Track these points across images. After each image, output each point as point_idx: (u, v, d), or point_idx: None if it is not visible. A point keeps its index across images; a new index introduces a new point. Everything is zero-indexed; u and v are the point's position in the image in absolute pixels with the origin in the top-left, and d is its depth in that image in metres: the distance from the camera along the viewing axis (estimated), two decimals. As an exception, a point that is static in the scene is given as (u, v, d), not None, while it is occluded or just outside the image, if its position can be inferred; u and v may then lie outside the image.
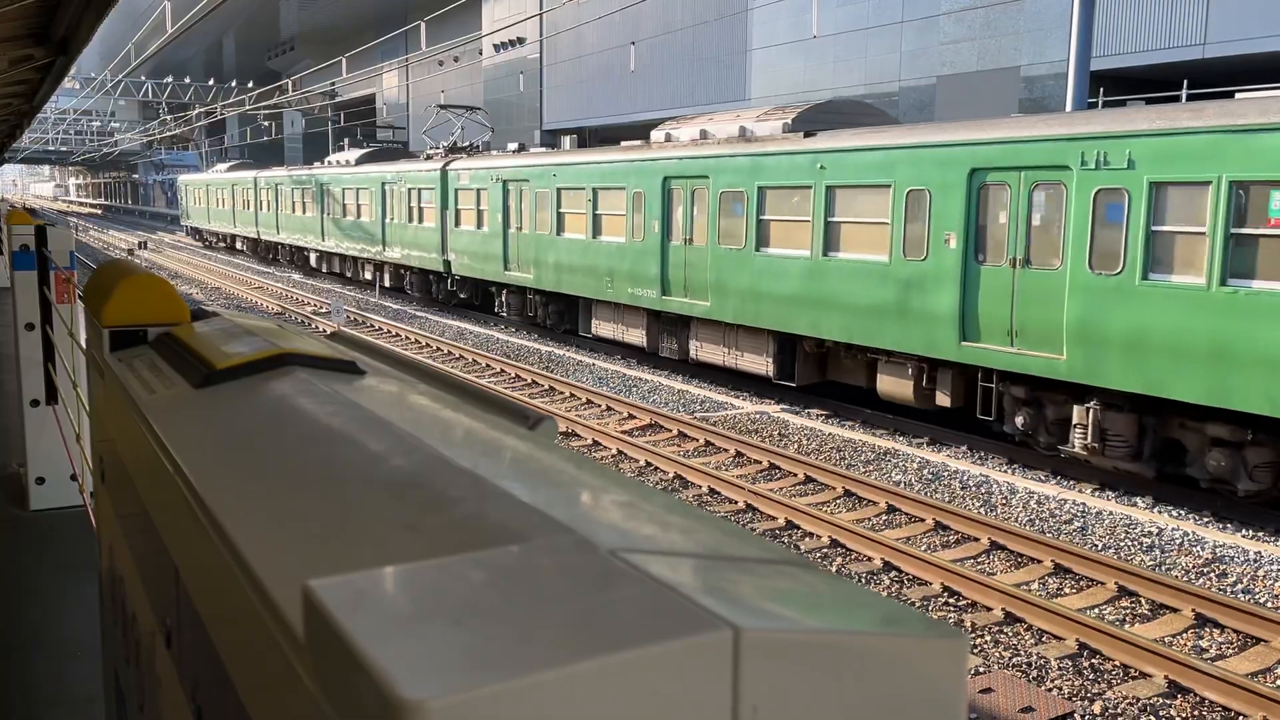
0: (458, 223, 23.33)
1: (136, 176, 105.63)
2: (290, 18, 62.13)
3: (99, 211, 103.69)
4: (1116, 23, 20.34)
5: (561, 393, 15.26)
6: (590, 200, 18.33)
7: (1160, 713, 6.23)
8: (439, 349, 19.26)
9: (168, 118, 68.48)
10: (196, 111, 63.48)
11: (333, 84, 50.27)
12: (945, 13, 24.18)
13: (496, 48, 41.04)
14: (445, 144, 26.62)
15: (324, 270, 33.29)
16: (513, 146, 23.83)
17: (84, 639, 3.81)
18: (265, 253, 39.95)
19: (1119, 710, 6.25)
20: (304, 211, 33.24)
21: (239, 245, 44.15)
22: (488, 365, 17.49)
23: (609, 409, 14.13)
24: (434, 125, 30.14)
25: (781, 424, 13.28)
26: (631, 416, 13.58)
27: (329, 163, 32.58)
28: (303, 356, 1.31)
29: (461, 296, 24.34)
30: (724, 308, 15.26)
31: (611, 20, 32.16)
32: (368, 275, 29.64)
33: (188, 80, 73.02)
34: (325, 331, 18.18)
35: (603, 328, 18.65)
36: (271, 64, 72.11)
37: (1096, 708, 6.27)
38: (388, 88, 57.06)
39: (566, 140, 24.60)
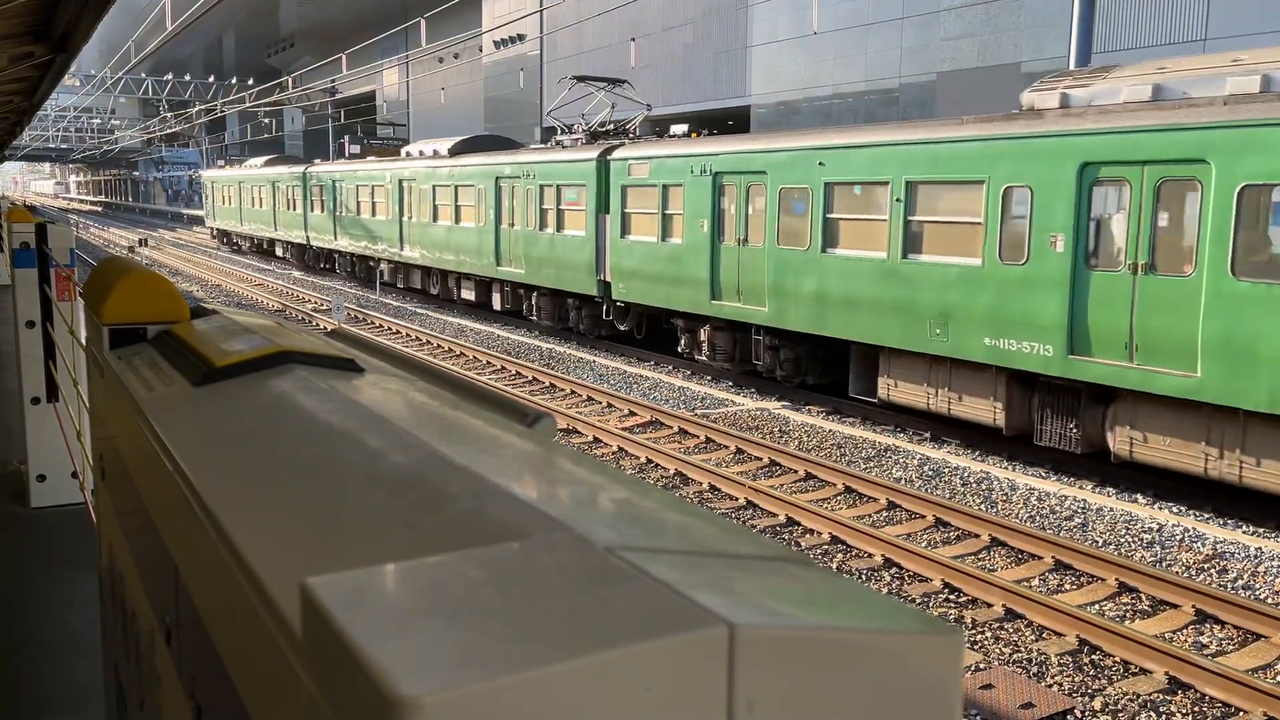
0: (625, 231, 17.61)
1: (137, 174, 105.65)
2: (290, 14, 62.08)
3: (99, 209, 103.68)
4: (1116, 18, 20.32)
5: (562, 390, 15.27)
6: (900, 200, 12.54)
7: (1160, 709, 6.24)
8: (439, 346, 19.27)
9: (168, 115, 68.47)
10: (197, 109, 63.47)
11: (333, 81, 50.26)
12: (946, 9, 24.16)
13: (497, 44, 41.01)
14: (584, 126, 20.75)
15: (400, 285, 27.73)
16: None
17: (84, 636, 3.82)
18: (316, 261, 34.67)
19: (1119, 706, 6.26)
20: (375, 214, 27.72)
21: (281, 252, 38.19)
22: (488, 362, 17.49)
23: (609, 406, 14.14)
24: (567, 102, 22.72)
25: (782, 421, 13.28)
26: (632, 414, 13.59)
27: (408, 154, 27.02)
28: (302, 354, 1.32)
29: (622, 329, 18.62)
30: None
31: (612, 17, 32.13)
32: (466, 294, 23.65)
33: (188, 77, 73.00)
34: (325, 329, 18.14)
35: (907, 393, 12.65)
36: (271, 61, 72.08)
37: (1097, 704, 6.28)
38: (388, 85, 57.03)
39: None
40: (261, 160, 40.95)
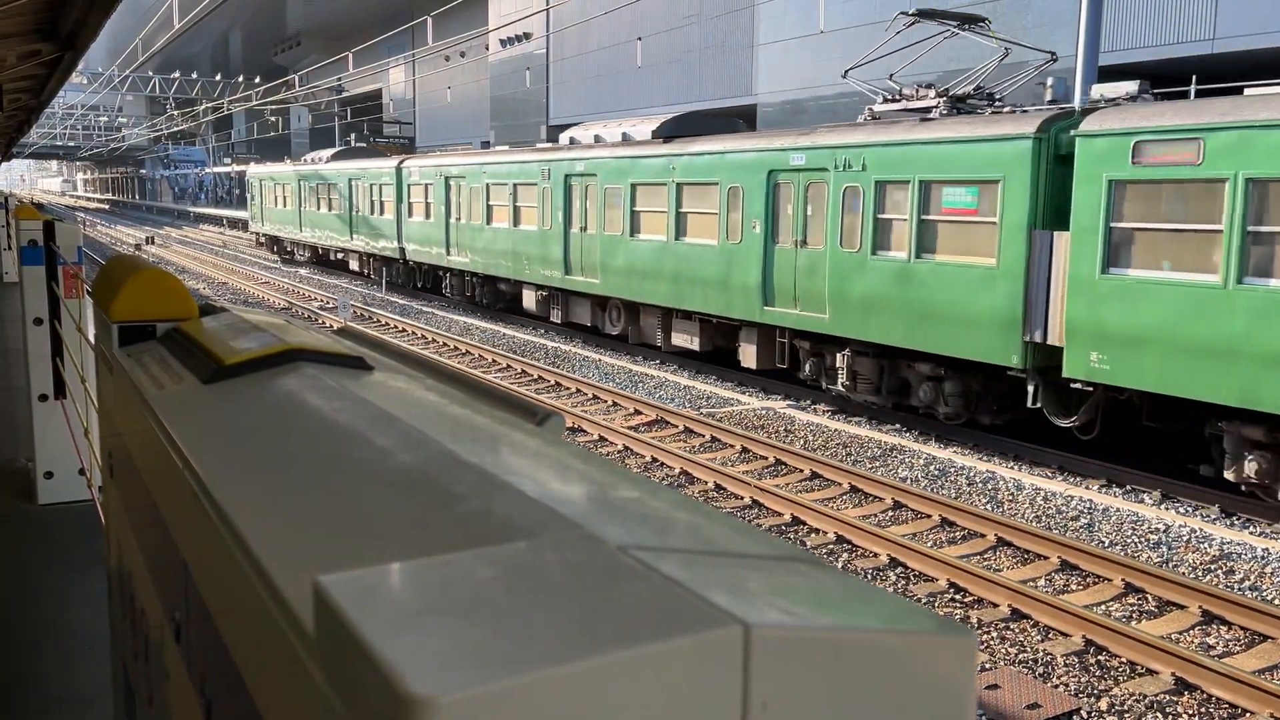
0: (1111, 264, 9.97)
1: (144, 172, 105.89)
2: (297, 13, 62.18)
3: (106, 207, 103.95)
4: (1124, 17, 20.27)
5: (568, 388, 15.27)
6: None
7: (1167, 710, 6.22)
8: (446, 344, 19.28)
9: (174, 113, 68.62)
10: (203, 107, 63.59)
11: (339, 79, 50.32)
12: (953, 8, 24.11)
13: (503, 43, 41.03)
14: (921, 89, 13.89)
15: (559, 319, 20.22)
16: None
17: (92, 633, 3.83)
18: (412, 280, 27.67)
19: (1125, 707, 6.25)
20: (520, 222, 20.79)
21: (358, 266, 31.44)
22: (494, 361, 17.50)
23: (615, 405, 14.14)
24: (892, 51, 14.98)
25: (787, 420, 13.28)
26: (638, 412, 13.59)
27: (572, 140, 19.97)
28: (311, 352, 1.32)
29: (1073, 424, 10.96)
30: None
31: (618, 15, 32.13)
32: (686, 341, 16.59)
33: (194, 75, 73.17)
34: (332, 327, 18.14)
35: None
36: (278, 59, 72.20)
37: (1103, 704, 6.27)
38: (394, 83, 57.08)
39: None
40: (328, 154, 34.10)
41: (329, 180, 31.77)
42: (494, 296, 23.54)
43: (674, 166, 16.33)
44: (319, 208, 32.90)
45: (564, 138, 20.29)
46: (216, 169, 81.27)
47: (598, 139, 19.15)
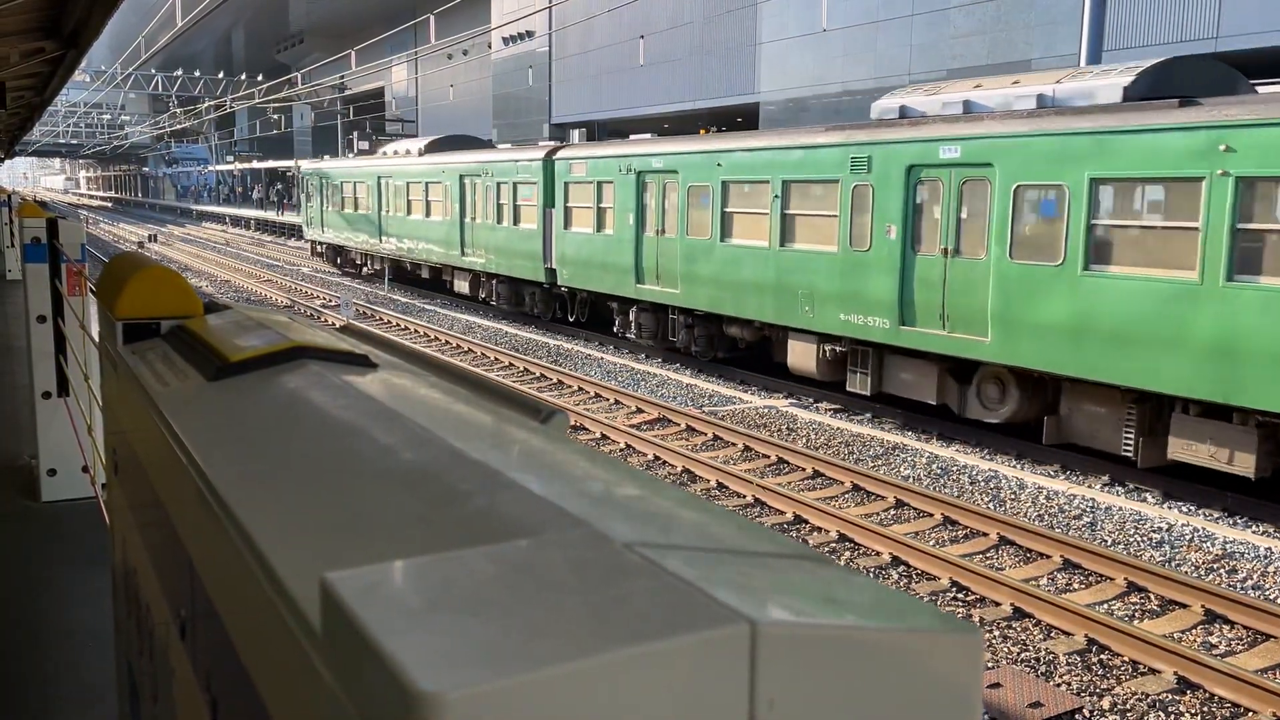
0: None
1: (147, 169, 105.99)
2: (299, 11, 62.19)
3: (109, 205, 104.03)
4: (1127, 16, 20.24)
5: (570, 386, 15.27)
6: None
7: (1169, 709, 6.22)
8: (448, 342, 19.29)
9: (177, 111, 68.66)
10: (206, 105, 63.61)
11: (341, 78, 50.33)
12: (956, 6, 24.08)
13: (505, 41, 41.02)
14: None
15: (866, 392, 13.64)
16: None
17: (95, 630, 3.84)
18: (560, 308, 21.10)
19: (1128, 706, 6.25)
20: (790, 239, 14.40)
21: (467, 288, 23.96)
22: (496, 359, 17.51)
23: (617, 403, 14.14)
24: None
25: (790, 418, 13.27)
26: (640, 411, 13.59)
27: (905, 112, 13.36)
28: (315, 350, 1.32)
29: None
30: None
31: (621, 14, 32.11)
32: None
33: (197, 73, 73.20)
34: (335, 324, 18.06)
35: None
36: (280, 57, 72.22)
37: (1105, 703, 6.26)
38: (396, 81, 57.09)
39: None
40: (419, 144, 26.71)
41: (427, 178, 24.54)
42: (689, 328, 16.84)
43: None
44: (409, 212, 25.58)
45: (900, 105, 15.29)
46: (219, 167, 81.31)
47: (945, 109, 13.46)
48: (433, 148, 25.95)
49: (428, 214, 24.98)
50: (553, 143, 23.53)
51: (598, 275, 18.66)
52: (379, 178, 27.67)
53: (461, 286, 24.19)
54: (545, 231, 20.07)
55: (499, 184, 21.49)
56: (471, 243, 22.90)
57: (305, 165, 35.56)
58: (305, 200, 34.33)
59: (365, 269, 30.66)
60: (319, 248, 34.61)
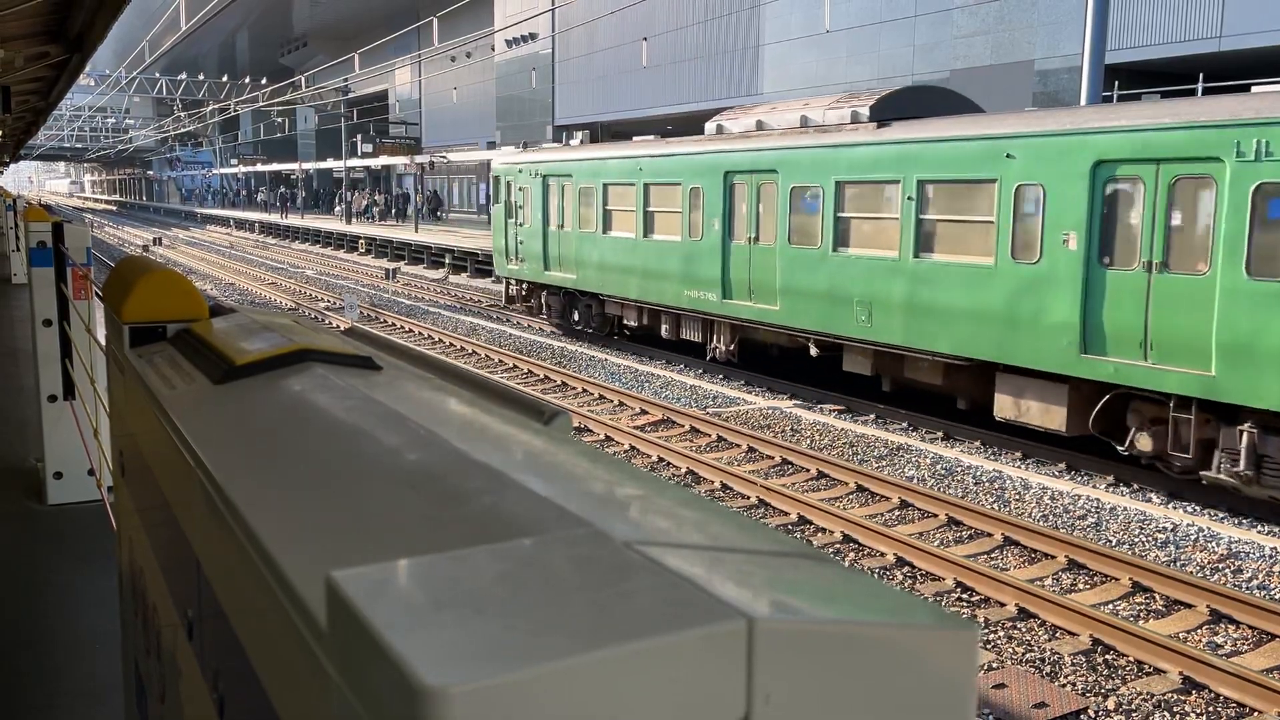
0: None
1: (151, 173, 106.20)
2: (303, 14, 62.29)
3: (114, 208, 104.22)
4: (1131, 16, 20.22)
5: (574, 388, 15.28)
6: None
7: (1174, 709, 6.21)
8: (452, 344, 19.31)
9: (181, 114, 68.80)
10: (210, 108, 63.74)
11: (345, 80, 50.39)
12: (959, 6, 24.07)
13: (509, 44, 41.05)
14: None
15: None
16: None
17: (102, 631, 3.85)
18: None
19: (1133, 706, 6.24)
20: None
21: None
22: (500, 361, 17.52)
23: (621, 404, 14.15)
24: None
25: (794, 419, 13.27)
26: (644, 412, 13.59)
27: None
28: (321, 353, 1.33)
29: None
30: None
31: (624, 16, 32.13)
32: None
33: (201, 77, 73.34)
34: (339, 327, 18.00)
35: None
36: (284, 60, 72.35)
37: (1110, 704, 6.26)
38: (400, 84, 57.15)
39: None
40: (860, 106, 13.75)
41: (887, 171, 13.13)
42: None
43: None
44: (843, 244, 13.62)
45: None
46: (223, 170, 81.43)
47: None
48: (886, 109, 13.52)
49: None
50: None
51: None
52: (725, 173, 15.37)
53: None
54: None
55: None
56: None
57: (508, 159, 22.12)
58: (505, 217, 21.61)
59: (621, 325, 18.98)
60: (519, 288, 21.94)
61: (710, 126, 16.47)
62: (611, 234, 18.37)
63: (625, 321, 18.74)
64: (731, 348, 16.05)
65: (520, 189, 21.35)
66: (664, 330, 17.47)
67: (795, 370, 15.82)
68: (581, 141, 21.61)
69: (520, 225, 21.36)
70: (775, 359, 16.64)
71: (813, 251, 13.88)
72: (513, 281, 22.36)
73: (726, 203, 15.51)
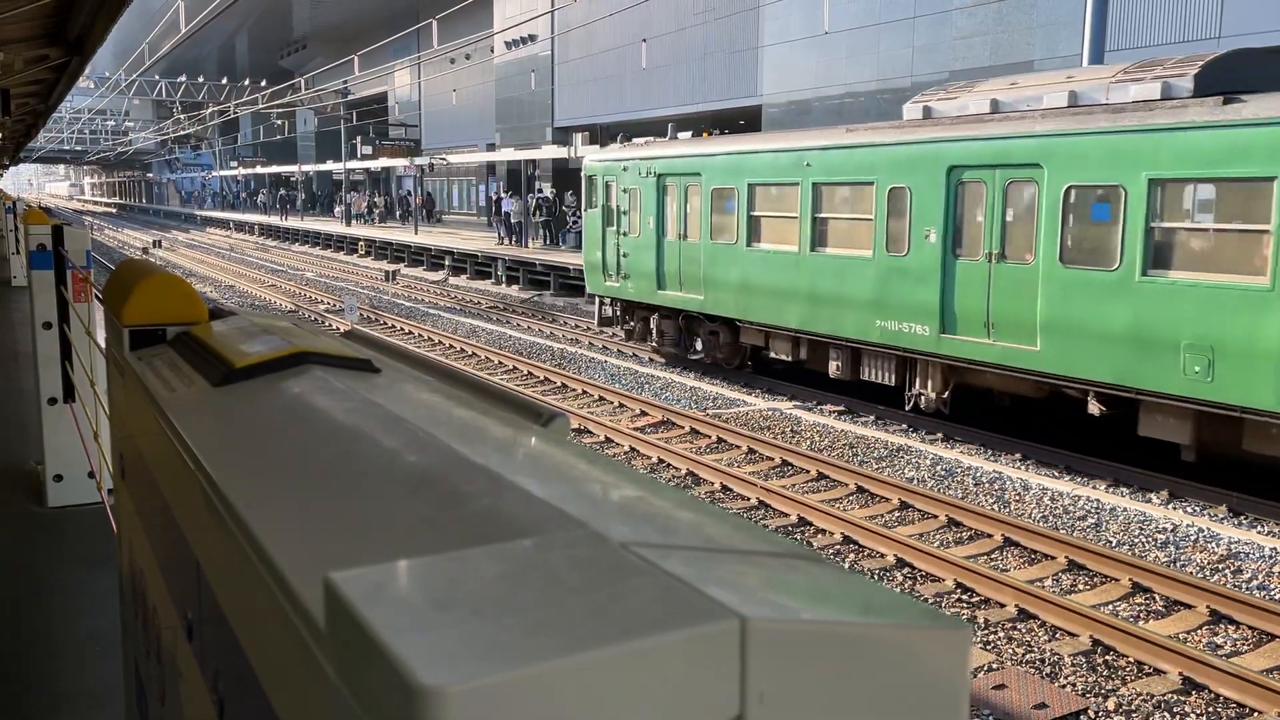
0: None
1: (150, 175, 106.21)
2: (302, 16, 62.31)
3: (113, 210, 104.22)
4: (1129, 16, 20.23)
5: (574, 390, 15.29)
6: None
7: (1174, 709, 6.22)
8: (452, 346, 19.31)
9: (181, 116, 68.81)
10: (210, 110, 63.74)
11: (345, 82, 50.40)
12: (958, 8, 24.09)
13: (508, 45, 41.07)
14: None
15: None
16: None
17: (102, 633, 3.85)
18: None
19: (1133, 707, 6.24)
20: None
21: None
22: (500, 362, 17.52)
23: (621, 406, 14.15)
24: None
25: (794, 421, 13.27)
26: (644, 413, 13.60)
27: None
28: (320, 355, 1.33)
29: None
30: None
31: (623, 17, 32.15)
32: None
33: (201, 79, 73.34)
34: (339, 329, 17.99)
35: None
36: (284, 63, 72.35)
37: (1110, 704, 6.26)
38: (399, 86, 57.15)
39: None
40: (1183, 72, 10.35)
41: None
42: None
43: None
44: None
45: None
46: (223, 172, 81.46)
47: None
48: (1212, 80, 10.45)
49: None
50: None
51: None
52: (949, 168, 12.22)
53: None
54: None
55: None
56: None
57: (607, 154, 18.44)
58: (604, 225, 18.06)
59: (832, 370, 14.08)
60: (624, 312, 18.27)
61: (912, 110, 13.16)
62: (760, 247, 14.71)
63: (771, 354, 15.14)
64: (944, 395, 12.55)
65: (625, 191, 17.46)
66: (834, 368, 13.88)
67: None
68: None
69: (624, 235, 17.47)
70: (994, 408, 12.85)
71: (1106, 276, 10.38)
72: (607, 301, 18.68)
73: (950, 207, 12.04)
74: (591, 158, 18.88)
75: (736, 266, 15.14)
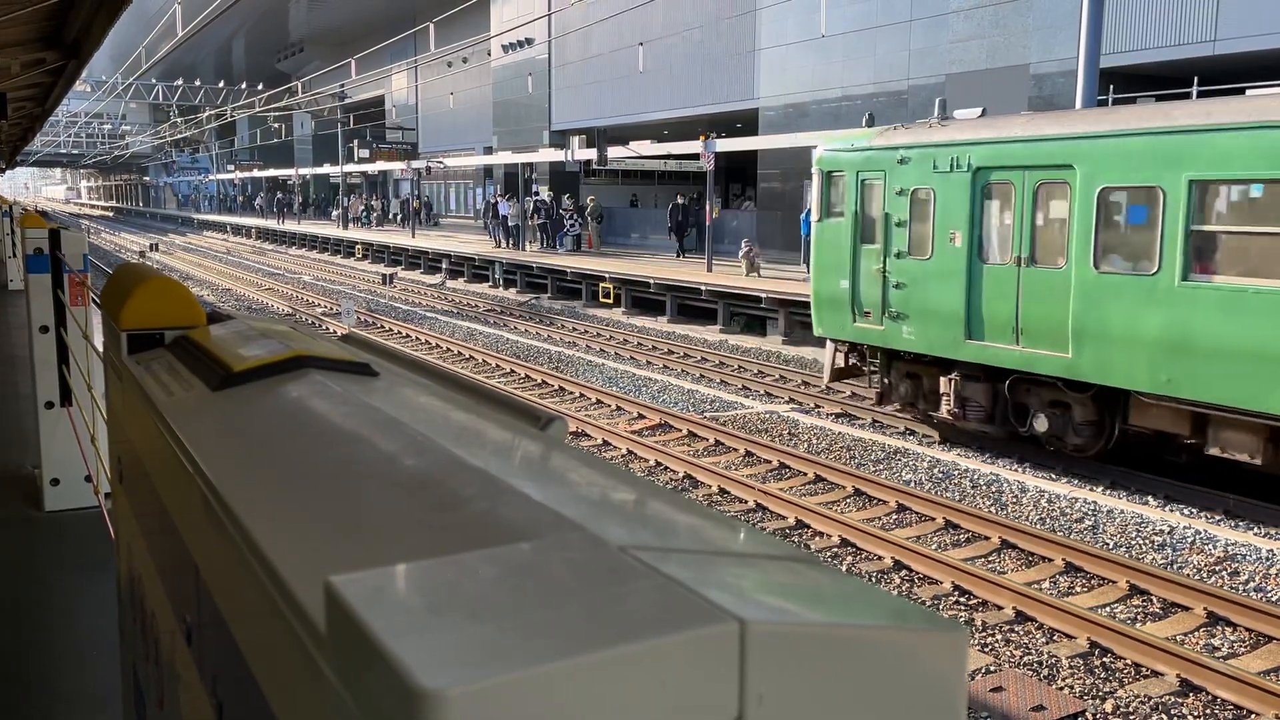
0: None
1: (147, 179, 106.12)
2: (299, 19, 62.30)
3: (110, 214, 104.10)
4: (1125, 19, 20.27)
5: (571, 393, 15.28)
6: None
7: (1172, 711, 6.22)
8: (449, 349, 19.30)
9: (178, 120, 68.78)
10: (207, 114, 63.70)
11: (342, 86, 50.38)
12: (954, 11, 24.13)
13: (505, 49, 41.08)
14: None
15: None
16: None
17: (100, 637, 3.85)
18: None
19: (1130, 709, 6.25)
20: None
21: None
22: (498, 366, 17.52)
23: (619, 409, 14.15)
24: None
25: (791, 423, 13.27)
26: (641, 416, 13.59)
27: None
28: (318, 359, 1.34)
29: None
30: None
31: (620, 21, 32.17)
32: None
33: (198, 83, 73.30)
34: (337, 333, 17.98)
35: None
36: (281, 66, 72.30)
37: (1108, 706, 6.26)
38: (396, 89, 57.14)
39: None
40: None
41: None
42: None
43: None
44: None
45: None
46: (220, 176, 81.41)
47: None
48: None
49: None
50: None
51: None
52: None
53: None
54: None
55: None
56: None
57: (850, 143, 13.39)
58: (855, 241, 13.08)
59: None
60: (903, 374, 12.82)
61: None
62: (1214, 281, 9.32)
63: (1211, 449, 9.65)
64: None
65: (901, 193, 12.09)
66: None
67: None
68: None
69: (897, 257, 12.17)
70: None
71: None
72: (844, 345, 13.39)
73: None
74: (830, 146, 13.50)
75: (1155, 310, 9.72)
